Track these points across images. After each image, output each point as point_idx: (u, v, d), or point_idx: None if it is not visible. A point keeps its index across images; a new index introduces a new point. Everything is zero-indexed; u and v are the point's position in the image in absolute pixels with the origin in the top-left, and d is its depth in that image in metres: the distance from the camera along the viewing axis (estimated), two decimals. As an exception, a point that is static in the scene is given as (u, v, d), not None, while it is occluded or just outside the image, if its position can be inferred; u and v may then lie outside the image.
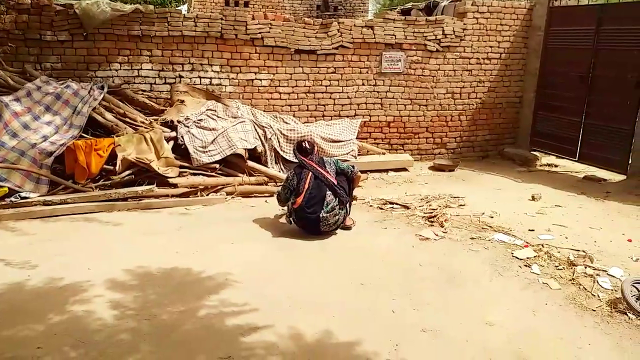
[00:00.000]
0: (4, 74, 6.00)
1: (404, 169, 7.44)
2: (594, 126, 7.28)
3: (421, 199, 5.82)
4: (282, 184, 5.09)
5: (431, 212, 5.30)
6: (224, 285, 3.73)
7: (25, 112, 5.69)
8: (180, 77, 6.95)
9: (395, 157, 7.66)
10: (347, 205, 4.91)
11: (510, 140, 8.60)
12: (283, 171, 6.74)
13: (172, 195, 5.68)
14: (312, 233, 4.79)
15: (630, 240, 4.72)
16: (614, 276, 3.94)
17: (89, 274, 3.81)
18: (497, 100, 8.37)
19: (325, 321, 3.28)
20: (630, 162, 6.80)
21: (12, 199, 5.14)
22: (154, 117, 6.53)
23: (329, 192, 4.74)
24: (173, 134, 6.30)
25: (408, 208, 5.53)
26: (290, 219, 4.85)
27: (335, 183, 4.81)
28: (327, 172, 4.84)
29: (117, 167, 5.61)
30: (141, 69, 6.79)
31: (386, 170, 7.30)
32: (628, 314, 3.43)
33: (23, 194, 5.20)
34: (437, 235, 4.79)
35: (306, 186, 4.72)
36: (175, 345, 3.00)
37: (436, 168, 7.65)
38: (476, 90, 8.21)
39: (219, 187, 6.01)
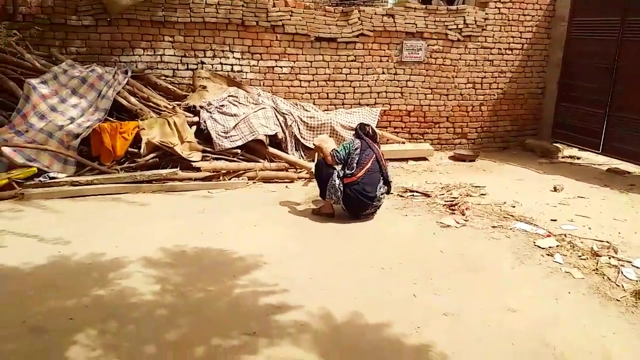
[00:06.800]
0: (31, 58, 6.10)
1: (424, 158, 7.43)
2: (618, 118, 7.18)
3: (442, 188, 5.82)
4: (342, 144, 4.99)
5: (452, 201, 5.31)
6: (254, 266, 3.79)
7: (52, 95, 5.79)
8: (202, 63, 7.00)
9: (415, 146, 7.65)
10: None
11: (532, 132, 8.53)
12: (303, 158, 6.78)
13: (195, 179, 5.75)
14: (354, 213, 4.85)
15: (655, 233, 4.68)
16: (639, 267, 3.92)
17: (119, 252, 3.90)
18: (518, 91, 8.30)
19: (350, 303, 3.32)
20: (655, 154, 6.72)
21: (41, 178, 5.25)
22: (177, 102, 6.60)
23: (381, 179, 4.86)
24: (195, 119, 6.36)
25: (428, 196, 5.53)
26: (334, 196, 4.78)
27: (389, 174, 4.96)
28: (385, 164, 4.95)
29: (141, 150, 5.70)
30: (164, 54, 6.86)
31: (406, 160, 7.30)
32: (653, 304, 3.41)
33: (51, 174, 5.32)
34: (458, 223, 4.80)
35: (369, 165, 4.79)
36: (209, 321, 3.06)
37: (456, 158, 7.63)
38: (497, 80, 8.14)
39: (240, 172, 6.08)
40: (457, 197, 5.40)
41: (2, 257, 3.76)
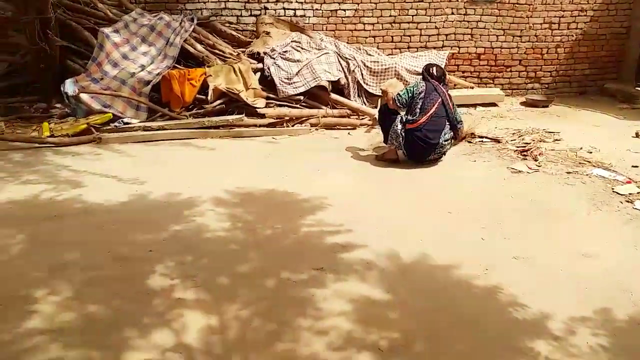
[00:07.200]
0: (104, 7, 6.29)
1: (494, 104, 7.12)
2: None
3: (513, 133, 5.58)
4: (406, 88, 4.85)
5: (524, 146, 5.09)
6: (319, 207, 3.84)
7: (124, 43, 5.99)
8: (266, 8, 6.95)
9: (485, 91, 7.33)
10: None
11: (612, 76, 7.92)
12: (365, 104, 6.69)
13: (260, 125, 5.84)
14: (416, 158, 4.74)
15: None
16: None
17: (192, 192, 4.07)
18: (600, 31, 7.67)
19: (416, 245, 3.31)
20: None
21: (116, 124, 5.53)
22: (241, 49, 6.64)
23: (447, 124, 4.71)
24: (259, 65, 6.39)
25: (499, 142, 5.33)
26: (395, 141, 4.72)
27: (457, 118, 4.82)
28: (452, 107, 4.77)
29: (209, 97, 5.83)
30: (228, 1, 6.86)
31: (474, 105, 7.02)
32: None
33: (125, 120, 5.58)
34: (530, 168, 4.61)
35: (433, 110, 4.63)
36: (279, 256, 3.16)
37: (529, 104, 7.25)
38: (577, 20, 7.55)
39: (303, 119, 6.10)
40: (530, 143, 5.16)
41: (86, 195, 4.03)
